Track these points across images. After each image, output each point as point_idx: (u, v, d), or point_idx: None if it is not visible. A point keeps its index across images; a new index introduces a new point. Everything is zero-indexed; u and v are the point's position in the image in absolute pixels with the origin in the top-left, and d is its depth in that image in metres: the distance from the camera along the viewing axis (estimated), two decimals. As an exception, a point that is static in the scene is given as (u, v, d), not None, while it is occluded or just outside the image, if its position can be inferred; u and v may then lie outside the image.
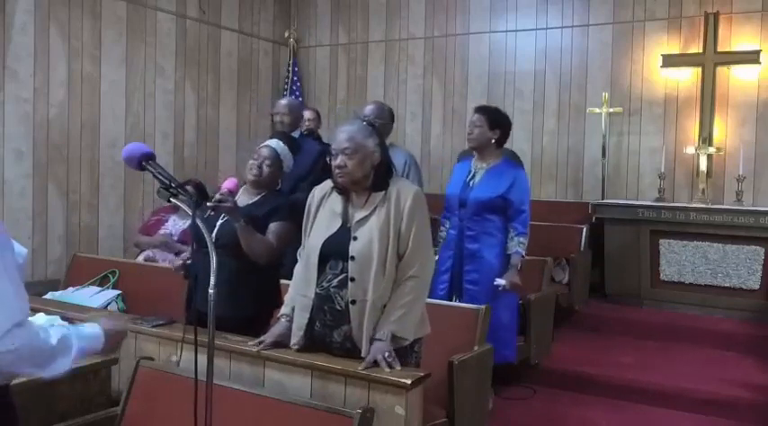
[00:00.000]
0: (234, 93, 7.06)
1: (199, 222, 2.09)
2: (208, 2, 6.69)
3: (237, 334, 2.73)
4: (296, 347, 2.52)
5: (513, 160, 4.31)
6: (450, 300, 3.70)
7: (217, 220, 2.91)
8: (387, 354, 2.34)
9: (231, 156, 6.90)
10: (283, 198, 3.11)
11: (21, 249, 1.81)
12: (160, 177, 2.25)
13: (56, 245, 5.40)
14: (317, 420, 2.21)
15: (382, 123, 3.97)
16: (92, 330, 1.79)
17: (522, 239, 3.67)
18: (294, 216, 2.99)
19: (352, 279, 2.40)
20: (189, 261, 2.95)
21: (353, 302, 2.39)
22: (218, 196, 2.73)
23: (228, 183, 2.99)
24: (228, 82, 6.99)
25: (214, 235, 2.86)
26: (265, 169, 3.00)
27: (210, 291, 1.91)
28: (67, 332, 1.67)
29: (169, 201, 2.28)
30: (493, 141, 3.80)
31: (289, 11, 7.77)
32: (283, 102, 4.58)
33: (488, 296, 3.60)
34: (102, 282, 4.12)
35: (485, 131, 3.77)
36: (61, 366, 1.64)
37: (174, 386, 2.43)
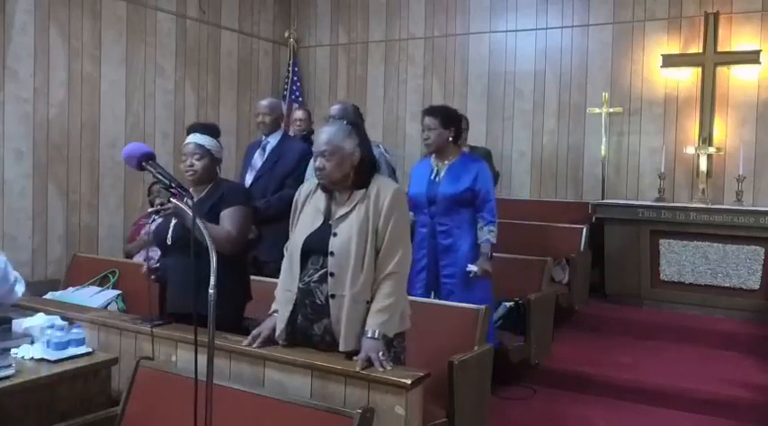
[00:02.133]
0: (234, 93, 7.06)
1: (198, 222, 2.09)
2: (208, 2, 6.69)
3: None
4: (282, 341, 2.57)
5: (482, 156, 4.38)
6: (429, 297, 3.73)
7: (169, 224, 2.92)
8: (380, 353, 2.38)
9: (231, 157, 6.90)
10: (227, 185, 3.07)
11: None
12: (160, 177, 2.26)
13: (56, 245, 5.40)
14: (317, 420, 2.21)
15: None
16: None
17: (491, 227, 3.75)
18: (247, 200, 3.02)
19: (332, 275, 2.45)
20: (157, 265, 2.96)
21: (333, 296, 2.45)
22: (157, 203, 2.72)
23: None
24: (228, 82, 6.99)
25: (169, 238, 2.88)
26: (197, 164, 2.94)
27: (211, 291, 1.91)
28: None
29: (169, 201, 2.28)
30: (449, 139, 3.83)
31: (289, 11, 7.77)
32: (264, 102, 4.59)
33: (464, 286, 3.68)
34: (102, 282, 4.12)
35: (441, 132, 3.80)
36: None
37: (174, 386, 2.43)
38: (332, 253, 2.45)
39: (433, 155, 3.91)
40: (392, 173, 4.39)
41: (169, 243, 2.89)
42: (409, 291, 2.89)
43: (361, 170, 2.52)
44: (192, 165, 2.94)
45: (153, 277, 2.96)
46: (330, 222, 2.52)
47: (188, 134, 3.03)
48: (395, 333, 2.50)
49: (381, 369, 2.34)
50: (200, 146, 2.96)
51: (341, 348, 2.44)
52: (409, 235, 2.60)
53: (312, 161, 2.55)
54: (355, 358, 2.40)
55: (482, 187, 3.77)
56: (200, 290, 2.75)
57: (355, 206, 2.49)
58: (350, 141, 2.50)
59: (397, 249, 2.48)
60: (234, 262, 2.88)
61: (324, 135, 2.51)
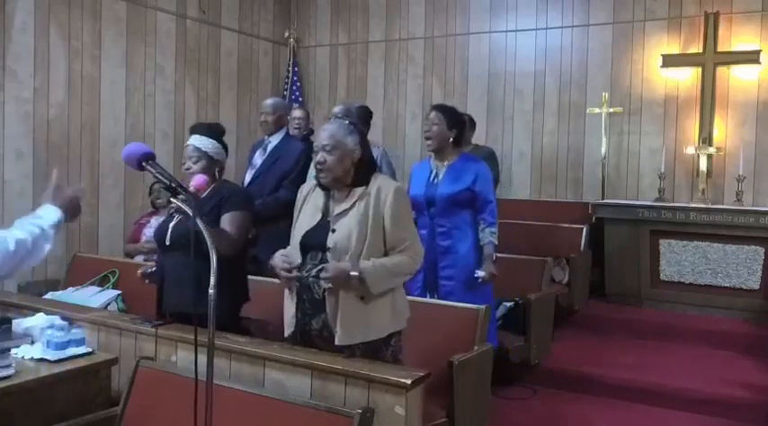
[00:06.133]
0: (234, 93, 7.06)
1: (199, 222, 2.09)
2: (208, 2, 6.69)
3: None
4: (289, 335, 2.61)
5: (485, 157, 4.33)
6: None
7: (169, 223, 2.94)
8: (346, 275, 2.39)
9: (231, 157, 6.89)
10: (229, 187, 3.07)
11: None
12: (160, 177, 2.25)
13: (56, 245, 5.39)
14: (317, 420, 2.21)
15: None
16: (47, 211, 2.14)
17: (492, 229, 3.71)
18: (248, 205, 3.03)
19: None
20: (153, 269, 2.97)
21: (329, 291, 2.47)
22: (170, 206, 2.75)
23: (196, 182, 2.81)
24: (228, 82, 6.99)
25: (168, 237, 2.90)
26: (194, 167, 2.95)
27: (211, 291, 1.91)
28: (24, 235, 2.02)
29: (169, 202, 2.28)
30: (450, 140, 3.78)
31: (289, 11, 7.77)
32: (268, 101, 4.62)
33: (464, 289, 3.63)
34: (102, 282, 4.12)
35: (443, 130, 3.74)
36: (36, 257, 2.02)
37: (174, 386, 2.43)
38: (329, 249, 2.47)
39: (433, 156, 3.88)
40: (393, 175, 4.40)
41: (168, 243, 2.90)
42: (407, 292, 2.89)
43: (361, 168, 2.55)
44: (188, 169, 2.95)
45: (147, 281, 2.98)
46: (329, 219, 2.54)
47: (190, 135, 3.04)
48: (388, 333, 2.52)
49: (324, 275, 2.39)
50: (197, 149, 2.97)
51: (336, 342, 2.45)
52: (416, 230, 2.61)
53: (313, 156, 2.58)
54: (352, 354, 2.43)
55: (482, 188, 3.72)
56: (199, 290, 2.77)
57: (355, 202, 2.52)
58: (351, 138, 2.54)
59: (409, 238, 2.52)
60: (231, 262, 2.86)
61: (326, 131, 2.55)
